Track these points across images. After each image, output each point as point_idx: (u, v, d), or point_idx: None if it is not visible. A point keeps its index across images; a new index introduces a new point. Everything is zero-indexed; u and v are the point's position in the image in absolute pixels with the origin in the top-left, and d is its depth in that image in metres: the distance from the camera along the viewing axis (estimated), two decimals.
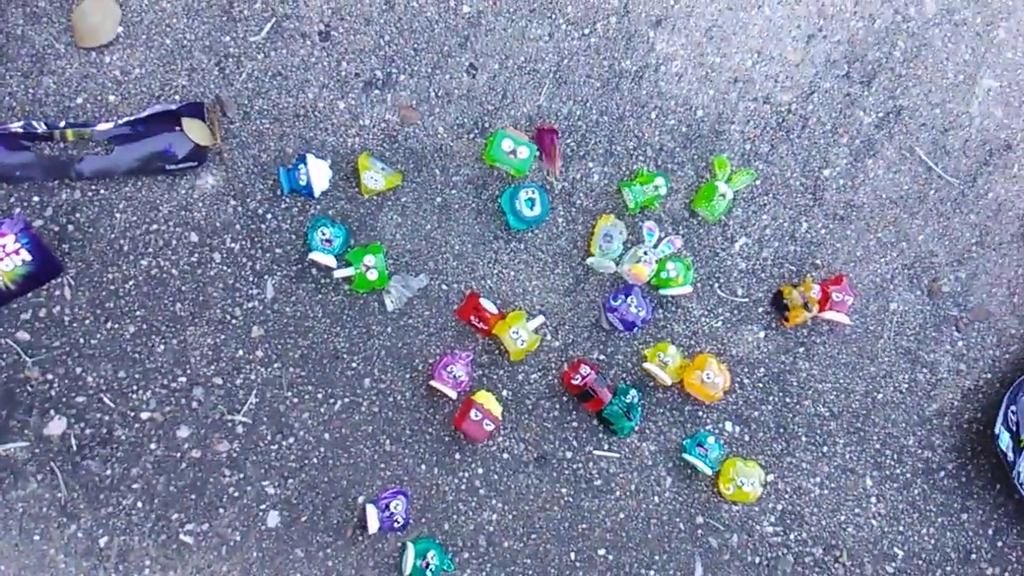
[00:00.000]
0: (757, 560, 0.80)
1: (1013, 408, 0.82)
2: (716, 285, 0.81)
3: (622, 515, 0.78)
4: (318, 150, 0.73)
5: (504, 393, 0.76)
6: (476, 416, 0.72)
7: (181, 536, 0.68)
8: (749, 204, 0.82)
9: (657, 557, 0.78)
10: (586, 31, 0.77)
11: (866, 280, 0.84)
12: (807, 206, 0.84)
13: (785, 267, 0.83)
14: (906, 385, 0.85)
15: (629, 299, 0.77)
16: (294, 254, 0.72)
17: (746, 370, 0.81)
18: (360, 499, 0.72)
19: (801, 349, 0.83)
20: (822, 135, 0.84)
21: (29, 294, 0.67)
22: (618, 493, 0.78)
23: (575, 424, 0.77)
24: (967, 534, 0.85)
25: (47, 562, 0.65)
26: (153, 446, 0.68)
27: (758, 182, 0.82)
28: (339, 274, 0.72)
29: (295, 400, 0.72)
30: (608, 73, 0.79)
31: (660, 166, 0.80)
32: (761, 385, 0.82)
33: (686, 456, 0.78)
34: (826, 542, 0.82)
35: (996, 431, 0.82)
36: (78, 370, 0.67)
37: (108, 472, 0.67)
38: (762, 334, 0.82)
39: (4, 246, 0.65)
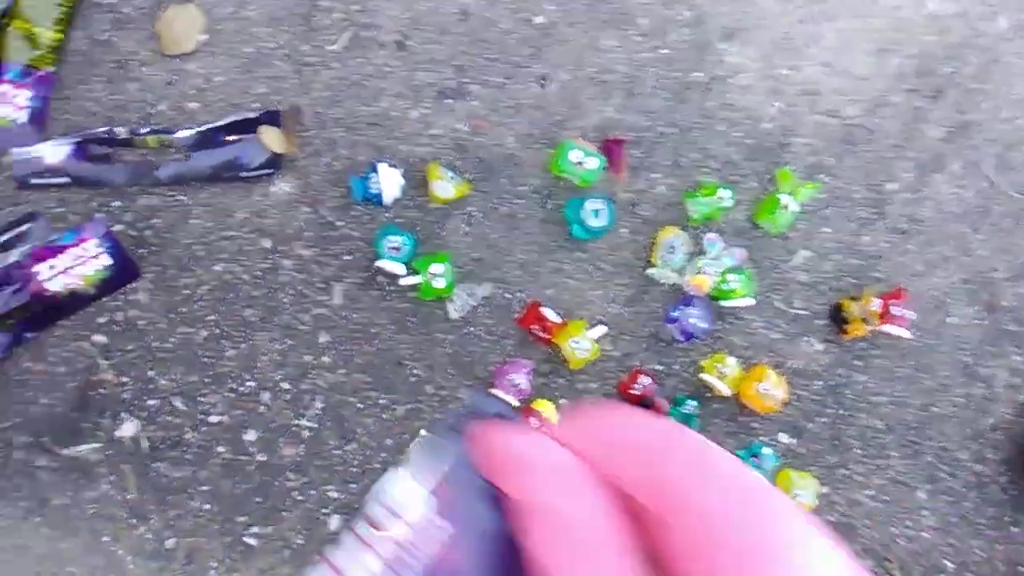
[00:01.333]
0: None
1: None
2: (776, 297, 0.80)
3: None
4: (390, 158, 0.72)
5: (562, 402, 0.76)
6: (536, 425, 0.72)
7: (245, 538, 0.69)
8: (812, 217, 0.81)
9: None
10: (657, 42, 0.76)
11: (925, 294, 0.82)
12: (870, 219, 0.82)
13: (845, 280, 0.81)
14: (961, 399, 0.84)
15: (691, 310, 0.76)
16: (363, 261, 0.72)
17: (802, 382, 0.80)
18: None
19: (858, 362, 0.82)
20: (888, 148, 0.82)
21: (106, 298, 0.67)
22: None
23: None
24: (1017, 547, 0.84)
25: (115, 563, 0.66)
26: (221, 449, 0.68)
27: (822, 195, 0.81)
28: (406, 282, 0.71)
29: (359, 406, 0.71)
30: (677, 84, 0.78)
31: (725, 178, 0.79)
32: (817, 397, 0.81)
33: None
34: (878, 555, 0.82)
35: None
36: (151, 373, 0.68)
37: (177, 474, 0.67)
38: (820, 346, 0.81)
39: (86, 250, 0.65)
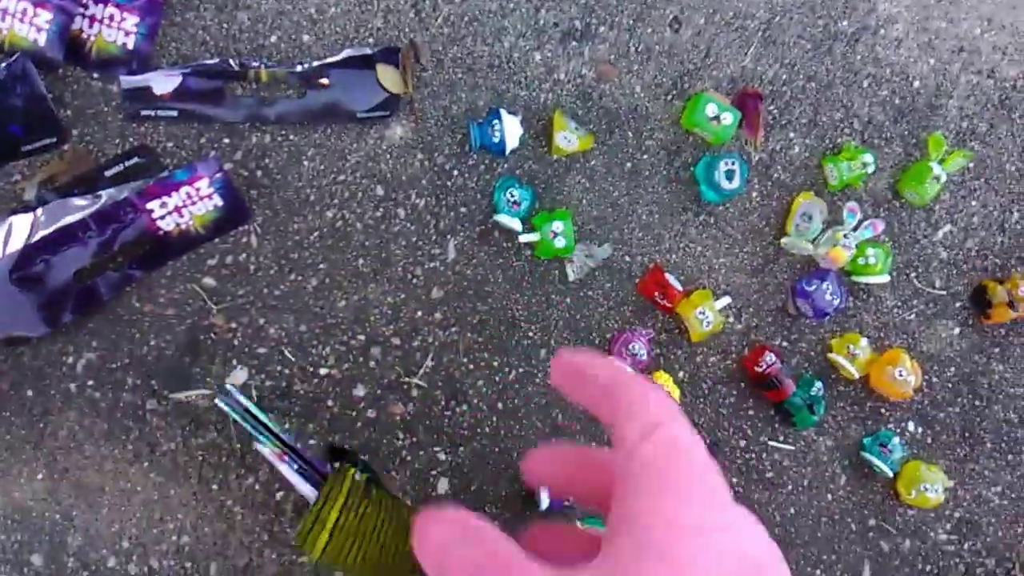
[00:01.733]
0: (928, 568, 0.75)
1: None
2: (913, 275, 0.74)
3: (792, 510, 0.73)
4: (509, 104, 0.67)
5: (680, 375, 0.71)
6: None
7: None
8: (958, 188, 0.74)
9: (825, 556, 0.73)
10: None
11: None
12: (1021, 194, 0.75)
13: (990, 259, 0.75)
14: None
15: (824, 285, 0.70)
16: (478, 214, 0.67)
17: (935, 368, 0.75)
18: None
19: (996, 350, 0.76)
20: None
21: (216, 240, 0.64)
22: (790, 487, 0.73)
23: (751, 412, 0.72)
24: None
25: (224, 512, 0.64)
26: (330, 403, 0.66)
27: (971, 165, 0.74)
28: (524, 239, 0.67)
29: (470, 367, 0.68)
30: (822, 34, 0.71)
31: (867, 141, 0.72)
32: (950, 385, 0.75)
33: (865, 455, 0.73)
34: (1000, 554, 0.77)
35: None
36: (261, 321, 0.65)
37: (286, 426, 0.65)
38: (956, 331, 0.75)
39: (199, 189, 0.61)
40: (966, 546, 0.76)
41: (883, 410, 0.74)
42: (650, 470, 0.23)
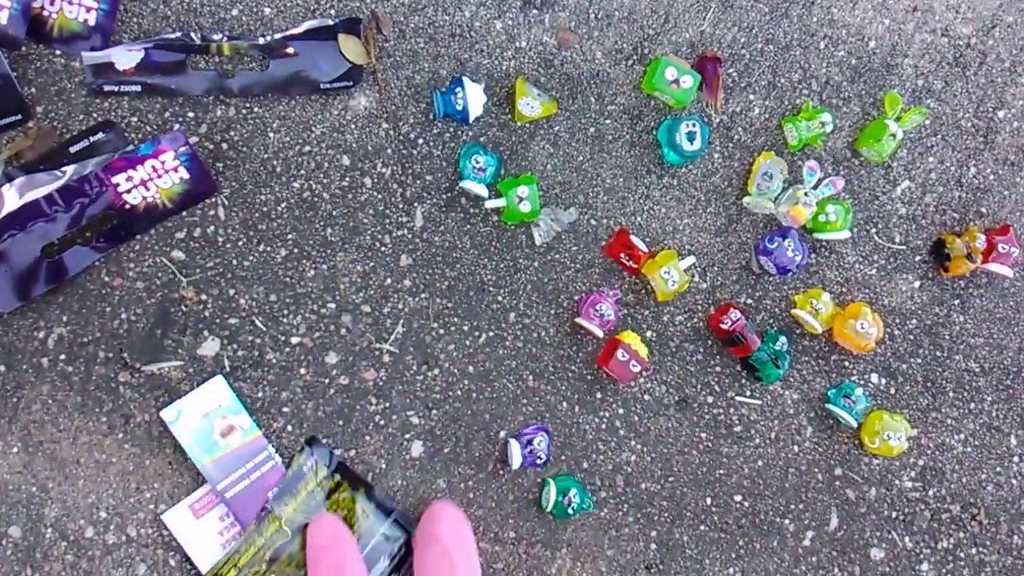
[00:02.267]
0: (894, 515, 0.77)
1: None
2: (874, 230, 0.75)
3: (760, 463, 0.75)
4: (472, 72, 0.68)
5: (648, 334, 0.73)
6: (623, 357, 0.69)
7: None
8: (915, 145, 0.76)
9: (793, 506, 0.75)
10: None
11: None
12: (977, 149, 0.77)
13: (948, 214, 0.77)
14: None
15: (786, 242, 0.71)
16: (444, 182, 0.68)
17: (897, 321, 0.76)
18: (502, 434, 0.70)
19: (956, 301, 0.77)
20: (1000, 73, 0.76)
21: (184, 213, 0.64)
22: (758, 440, 0.75)
23: (718, 369, 0.74)
24: None
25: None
26: (303, 371, 0.66)
27: (927, 122, 0.75)
28: (490, 204, 0.68)
29: (441, 331, 0.69)
30: None
31: (825, 101, 0.74)
32: (912, 337, 0.77)
33: (830, 407, 0.74)
34: (964, 499, 0.79)
35: None
36: (231, 292, 0.65)
37: (260, 395, 0.66)
38: (917, 284, 0.76)
39: (164, 163, 0.62)
40: (931, 492, 0.78)
41: (847, 363, 0.76)
42: None
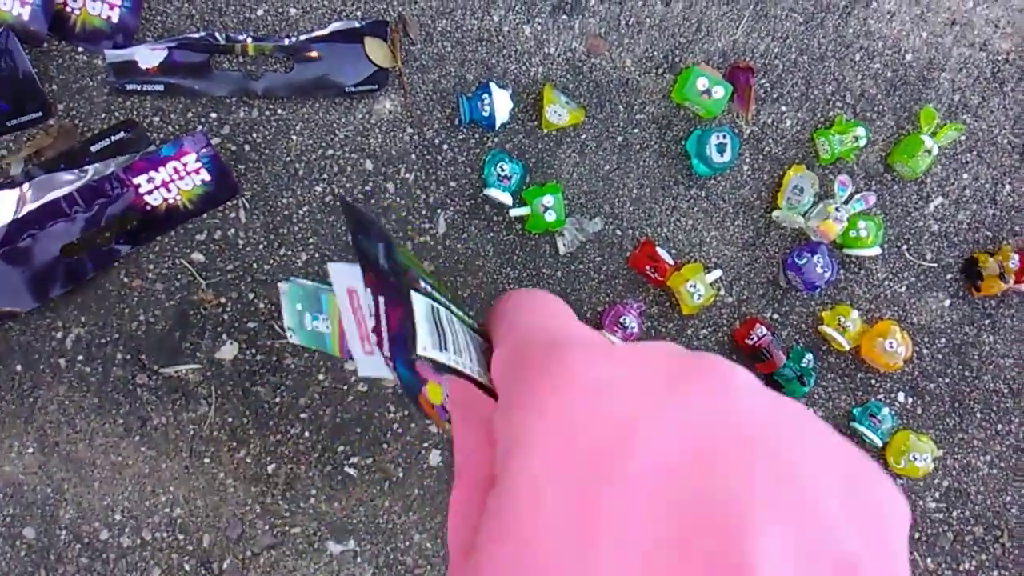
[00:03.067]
0: (917, 535, 0.75)
1: None
2: (905, 247, 0.74)
3: None
4: (499, 78, 0.67)
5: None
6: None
7: (346, 468, 0.66)
8: (950, 161, 0.74)
9: None
10: None
11: None
12: (1013, 167, 0.75)
13: (981, 232, 0.75)
14: None
15: (815, 257, 0.70)
16: (468, 189, 0.67)
17: (926, 339, 0.75)
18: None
19: (987, 321, 0.76)
20: None
21: (205, 215, 0.63)
22: None
23: None
24: None
25: (217, 485, 0.64)
26: (321, 377, 0.65)
27: (962, 138, 0.73)
28: (515, 213, 0.66)
29: None
30: (813, 7, 0.70)
31: (859, 114, 0.72)
32: (940, 356, 0.75)
33: (855, 425, 0.73)
34: (988, 521, 0.77)
35: None
36: (251, 295, 0.64)
37: (277, 400, 0.65)
38: (947, 302, 0.75)
39: (185, 164, 0.61)
40: (955, 514, 0.77)
41: (873, 381, 0.75)
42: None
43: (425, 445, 0.68)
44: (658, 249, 0.70)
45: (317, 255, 0.66)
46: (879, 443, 0.73)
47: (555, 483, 0.17)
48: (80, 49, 0.63)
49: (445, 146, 0.67)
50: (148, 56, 0.63)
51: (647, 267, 0.70)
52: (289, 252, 0.65)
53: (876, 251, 0.72)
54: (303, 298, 0.48)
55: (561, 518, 0.17)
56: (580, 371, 0.20)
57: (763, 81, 0.71)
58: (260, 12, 0.64)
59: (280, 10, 0.64)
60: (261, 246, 0.65)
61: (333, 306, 0.45)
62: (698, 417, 0.18)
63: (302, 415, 0.66)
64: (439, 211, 0.68)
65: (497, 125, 0.66)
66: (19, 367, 0.62)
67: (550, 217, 0.67)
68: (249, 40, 0.64)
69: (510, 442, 0.20)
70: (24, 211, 0.60)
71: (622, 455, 0.17)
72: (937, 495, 0.76)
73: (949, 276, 0.75)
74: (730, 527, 0.16)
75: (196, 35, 0.63)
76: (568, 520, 0.17)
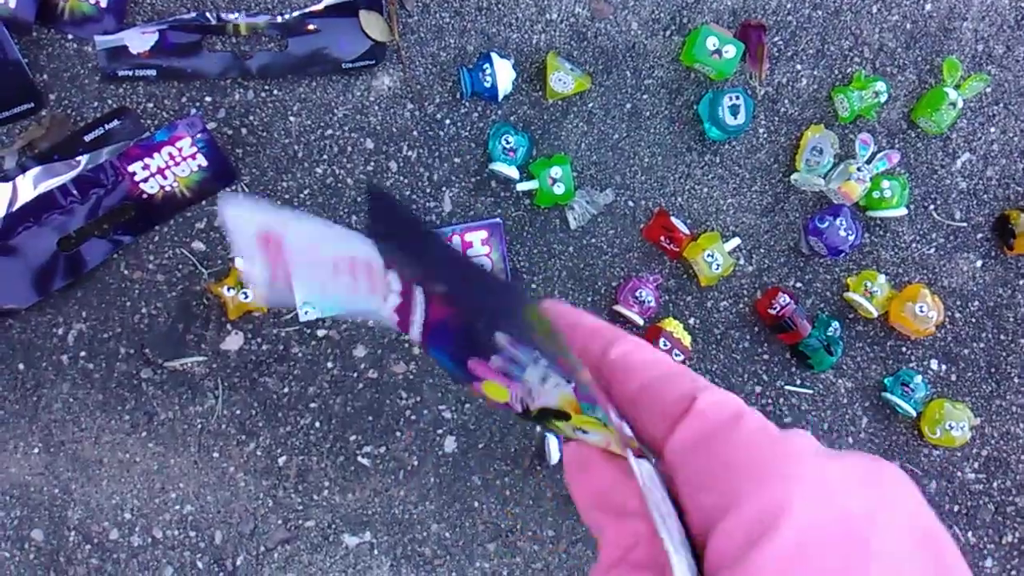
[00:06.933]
0: (956, 508, 0.73)
1: None
2: (932, 207, 0.71)
3: None
4: (501, 48, 0.65)
5: (691, 321, 0.69)
6: (666, 345, 0.65)
7: (359, 458, 0.65)
8: (976, 115, 0.71)
9: None
10: None
11: None
12: None
13: (1012, 188, 0.72)
14: None
15: (838, 221, 0.67)
16: (473, 164, 0.65)
17: (958, 303, 0.72)
18: (538, 428, 0.67)
19: (1021, 281, 0.73)
20: None
21: (203, 202, 0.62)
22: (810, 432, 0.70)
23: (766, 357, 0.70)
24: None
25: (227, 479, 0.62)
26: (330, 365, 0.64)
27: (988, 89, 0.70)
28: (522, 187, 0.64)
29: None
30: None
31: (878, 69, 0.69)
32: (974, 320, 0.72)
33: (887, 395, 0.70)
34: None
35: None
36: None
37: (286, 390, 0.63)
38: (979, 263, 0.72)
39: (181, 149, 0.60)
40: (995, 484, 0.74)
41: (904, 348, 0.72)
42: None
43: (440, 432, 0.66)
44: (673, 219, 0.68)
45: None
46: (913, 413, 0.70)
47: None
48: (70, 36, 0.61)
49: (447, 121, 0.65)
50: (139, 41, 0.62)
51: (662, 238, 0.68)
52: None
53: (902, 212, 0.69)
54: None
55: None
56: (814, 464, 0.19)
57: (776, 39, 0.69)
58: None
59: None
60: None
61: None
62: (910, 511, 0.19)
63: (312, 405, 0.64)
64: (444, 188, 0.66)
65: (500, 96, 0.64)
66: (21, 365, 0.61)
67: (559, 190, 0.65)
68: (241, 18, 0.62)
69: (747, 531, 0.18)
70: (18, 204, 0.59)
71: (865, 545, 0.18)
72: (976, 465, 0.74)
73: (980, 235, 0.72)
74: None
75: (187, 16, 0.62)
76: None
